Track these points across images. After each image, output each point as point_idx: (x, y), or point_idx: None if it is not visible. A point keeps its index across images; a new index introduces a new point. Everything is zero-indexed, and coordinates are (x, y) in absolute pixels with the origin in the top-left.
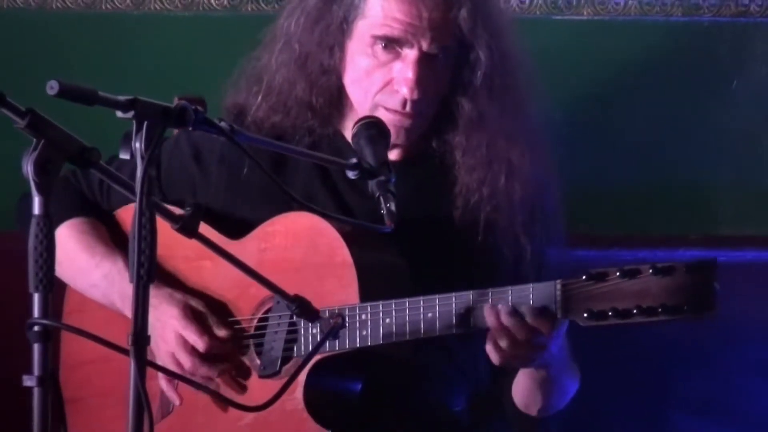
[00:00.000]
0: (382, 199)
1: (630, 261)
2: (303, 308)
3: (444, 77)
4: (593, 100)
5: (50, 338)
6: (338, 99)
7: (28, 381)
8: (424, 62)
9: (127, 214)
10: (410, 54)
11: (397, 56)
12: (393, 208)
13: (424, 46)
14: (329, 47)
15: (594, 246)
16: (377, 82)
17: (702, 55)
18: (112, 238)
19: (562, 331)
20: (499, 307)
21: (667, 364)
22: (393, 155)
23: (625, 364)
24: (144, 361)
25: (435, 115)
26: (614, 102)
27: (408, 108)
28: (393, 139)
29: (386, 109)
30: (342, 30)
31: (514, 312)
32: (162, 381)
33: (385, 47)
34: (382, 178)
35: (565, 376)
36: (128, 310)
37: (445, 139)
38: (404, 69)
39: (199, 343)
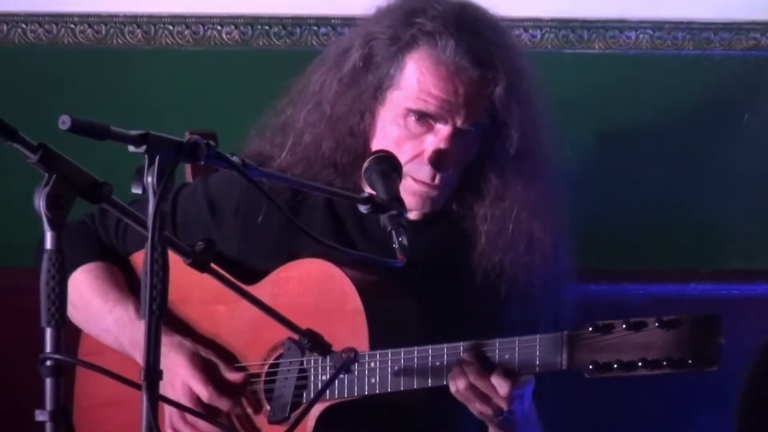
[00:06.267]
0: (393, 233)
1: (642, 295)
2: (315, 342)
3: (473, 149)
4: (603, 134)
5: (62, 373)
6: (362, 159)
7: (41, 416)
8: (456, 137)
9: (141, 259)
10: (443, 129)
11: (430, 129)
12: (405, 242)
13: (458, 122)
14: (360, 112)
15: (606, 281)
16: (407, 154)
17: (713, 88)
18: (127, 283)
19: (527, 393)
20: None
21: (679, 401)
22: (412, 215)
23: (639, 403)
24: (156, 397)
25: (460, 181)
26: (624, 136)
27: (437, 181)
28: (418, 208)
29: (415, 180)
30: (375, 97)
31: (478, 358)
32: (168, 430)
33: (418, 120)
34: (394, 212)
35: None
36: (138, 357)
37: (467, 204)
38: (436, 143)
39: (204, 393)
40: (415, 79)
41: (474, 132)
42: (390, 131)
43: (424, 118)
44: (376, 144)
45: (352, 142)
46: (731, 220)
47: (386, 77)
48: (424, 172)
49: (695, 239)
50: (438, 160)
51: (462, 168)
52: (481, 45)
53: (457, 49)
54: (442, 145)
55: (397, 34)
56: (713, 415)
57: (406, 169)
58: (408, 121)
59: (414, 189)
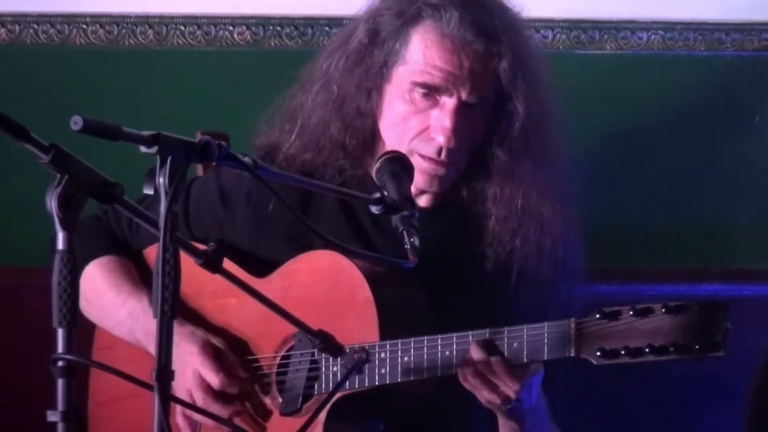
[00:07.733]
0: (405, 233)
1: (652, 295)
2: (327, 343)
3: (480, 127)
4: (615, 135)
5: (74, 373)
6: (371, 142)
7: (52, 416)
8: (461, 111)
9: (154, 253)
10: (448, 102)
11: (435, 104)
12: (416, 242)
13: (463, 95)
14: (367, 90)
15: (616, 280)
16: (413, 129)
17: (724, 89)
18: (140, 276)
19: (536, 383)
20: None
21: (690, 399)
22: (422, 201)
23: (649, 400)
24: (168, 397)
25: (468, 164)
26: (636, 136)
27: (443, 156)
28: (426, 186)
29: (421, 156)
30: (381, 74)
31: (486, 347)
32: (179, 417)
33: (424, 94)
34: (406, 212)
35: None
36: (152, 347)
37: (477, 188)
38: (442, 117)
39: (215, 381)
40: (421, 53)
41: (479, 108)
42: (396, 107)
43: (430, 92)
44: (384, 123)
45: (360, 123)
46: (742, 220)
47: (392, 52)
48: (431, 147)
49: (706, 239)
50: (444, 133)
51: (469, 148)
52: (487, 19)
53: (461, 22)
54: (447, 117)
55: (402, 8)
56: (723, 415)
57: (412, 145)
58: (414, 96)
59: (421, 166)
